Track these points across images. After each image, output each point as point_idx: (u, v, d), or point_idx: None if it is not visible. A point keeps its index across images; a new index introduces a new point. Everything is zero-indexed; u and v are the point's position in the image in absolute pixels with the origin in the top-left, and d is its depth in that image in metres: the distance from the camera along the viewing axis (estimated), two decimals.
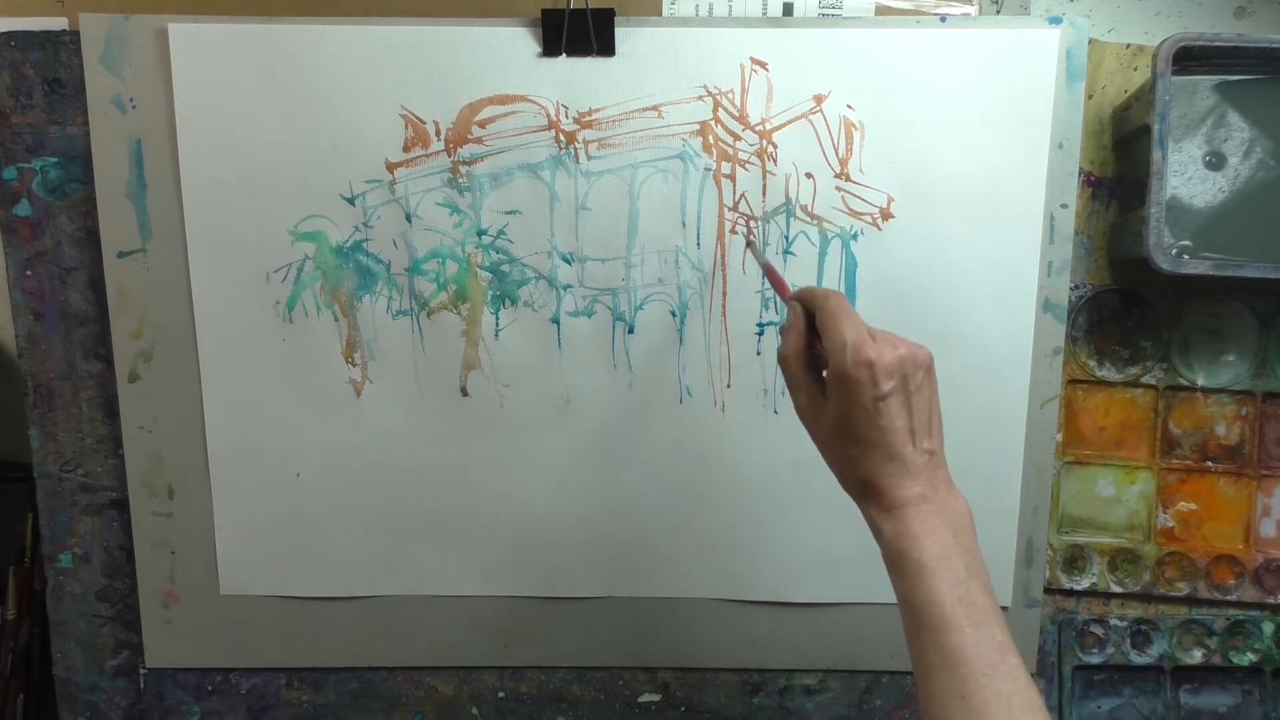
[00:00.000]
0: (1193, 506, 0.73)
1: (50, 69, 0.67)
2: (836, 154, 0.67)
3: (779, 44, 0.66)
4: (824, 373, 0.51)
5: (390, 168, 0.67)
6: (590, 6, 0.64)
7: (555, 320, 0.69)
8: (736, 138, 0.67)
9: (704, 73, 0.66)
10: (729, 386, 0.70)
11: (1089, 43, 0.66)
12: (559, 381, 0.70)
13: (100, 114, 0.67)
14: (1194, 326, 0.71)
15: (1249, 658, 0.74)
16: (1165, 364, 0.71)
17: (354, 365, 0.70)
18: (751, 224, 0.67)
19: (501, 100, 0.66)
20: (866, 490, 0.50)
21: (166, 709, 0.75)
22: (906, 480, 0.48)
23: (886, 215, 0.67)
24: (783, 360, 0.53)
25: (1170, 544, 0.73)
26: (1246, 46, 0.63)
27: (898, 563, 0.48)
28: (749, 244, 0.67)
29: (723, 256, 0.68)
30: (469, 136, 0.67)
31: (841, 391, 0.48)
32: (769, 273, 0.63)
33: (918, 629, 0.47)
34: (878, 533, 0.49)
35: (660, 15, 0.67)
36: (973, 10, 0.68)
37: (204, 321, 0.69)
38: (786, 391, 0.57)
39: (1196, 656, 0.74)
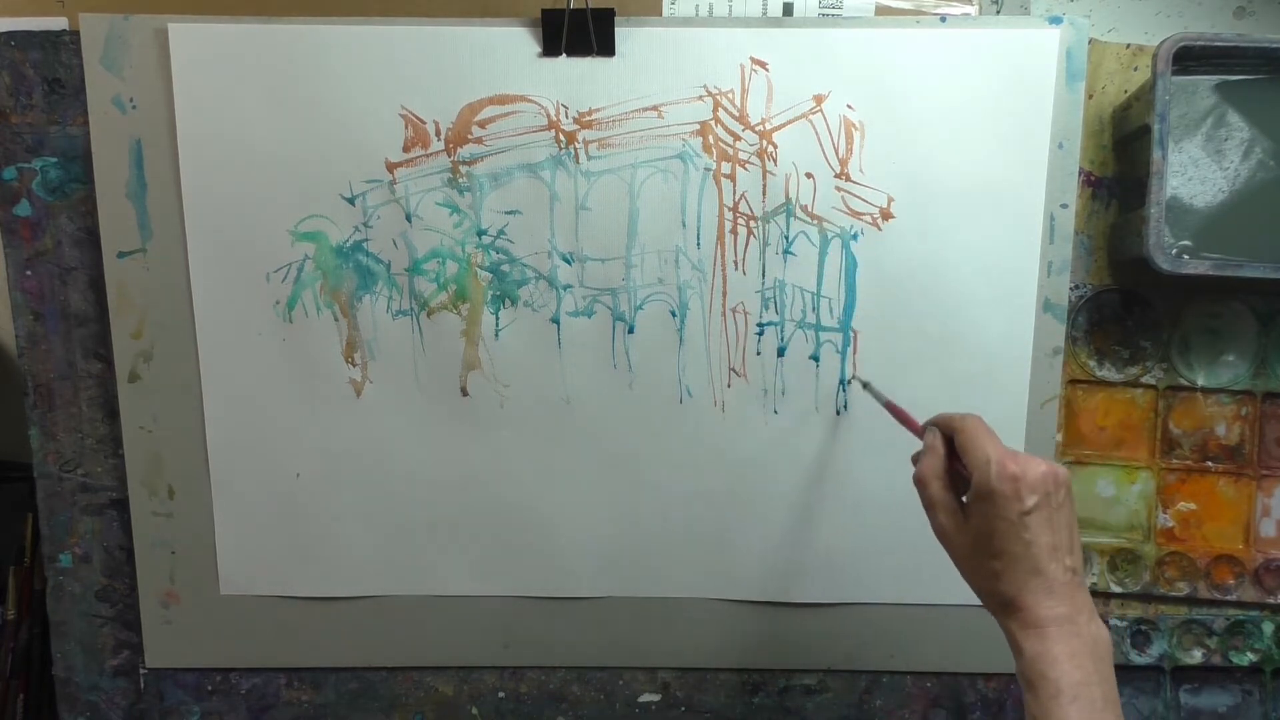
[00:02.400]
0: (1193, 506, 0.73)
1: (50, 69, 0.67)
2: (836, 154, 0.67)
3: (779, 44, 0.66)
4: (963, 498, 0.52)
5: (390, 168, 0.67)
6: (590, 6, 0.64)
7: (555, 320, 0.69)
8: (736, 138, 0.67)
9: (704, 73, 0.66)
10: (729, 386, 0.70)
11: (1089, 43, 0.66)
12: (559, 381, 0.70)
13: (100, 114, 0.67)
14: (1194, 326, 0.71)
15: (1249, 658, 0.74)
16: (1165, 364, 0.71)
17: (354, 365, 0.70)
18: (857, 381, 0.69)
19: (501, 100, 0.66)
20: (1009, 606, 0.50)
21: (166, 709, 0.75)
22: (1050, 598, 0.48)
23: (886, 215, 0.67)
24: (921, 482, 0.54)
25: (1170, 544, 0.73)
26: (1246, 46, 0.63)
27: (1036, 683, 0.48)
28: (865, 385, 0.68)
29: (722, 256, 0.68)
30: (469, 136, 0.67)
31: (986, 507, 0.49)
32: (894, 411, 0.63)
33: None
34: (1017, 650, 0.49)
35: (660, 15, 0.67)
36: (973, 10, 0.68)
37: (204, 321, 0.69)
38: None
39: (1196, 656, 0.74)
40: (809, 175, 0.67)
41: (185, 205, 0.67)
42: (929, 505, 0.54)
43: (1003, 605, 0.50)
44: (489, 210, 0.68)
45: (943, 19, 0.66)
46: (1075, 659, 0.47)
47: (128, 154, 0.67)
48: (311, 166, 0.67)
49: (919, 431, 0.58)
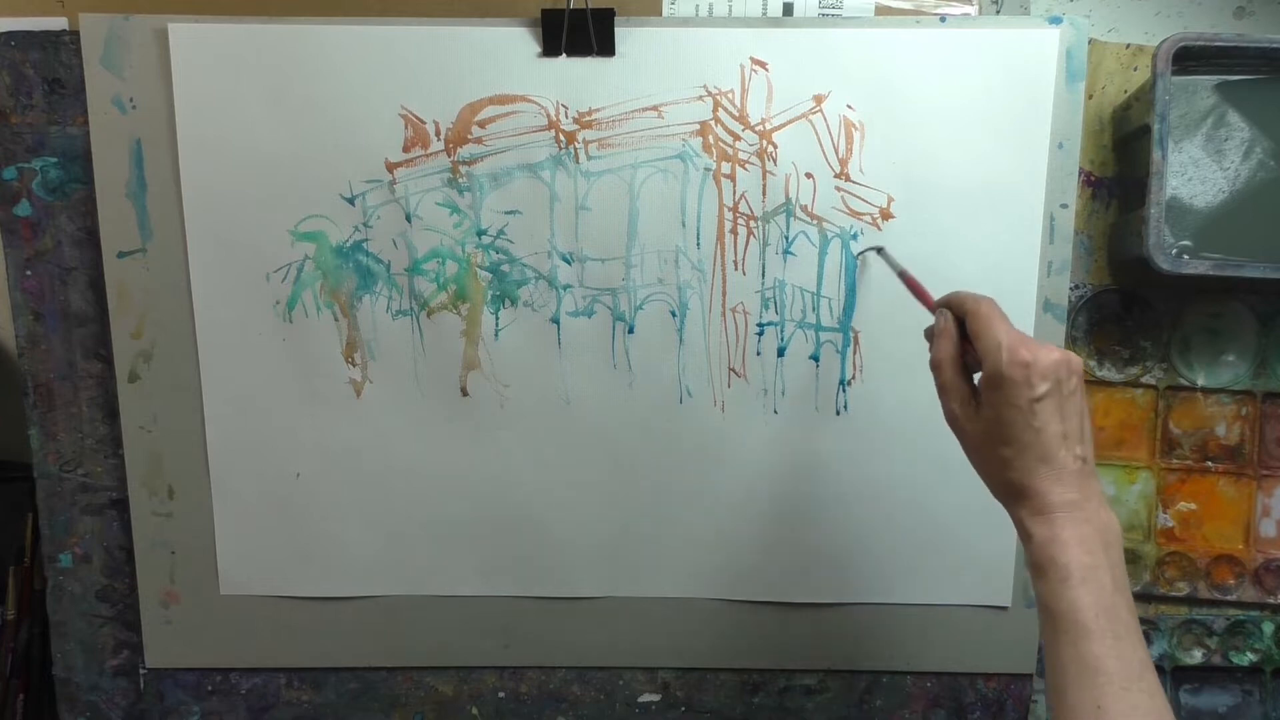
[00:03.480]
0: (1193, 506, 0.73)
1: (50, 69, 0.67)
2: (836, 154, 0.67)
3: (779, 44, 0.66)
4: (975, 379, 0.51)
5: (390, 168, 0.67)
6: (590, 6, 0.64)
7: (555, 320, 0.69)
8: (736, 138, 0.67)
9: (704, 73, 0.66)
10: (729, 386, 0.70)
11: (1089, 43, 0.66)
12: (559, 381, 0.70)
13: (100, 114, 0.67)
14: (1194, 326, 0.71)
15: (1249, 658, 0.74)
16: (1165, 364, 0.71)
17: (354, 365, 0.70)
18: (871, 251, 0.67)
19: (501, 100, 0.66)
20: (1019, 493, 0.49)
21: (166, 709, 0.75)
22: (1059, 485, 0.48)
23: (886, 215, 0.67)
24: (936, 366, 0.53)
25: (1170, 544, 0.73)
26: (1246, 46, 0.63)
27: (1045, 567, 0.47)
28: (879, 251, 0.66)
29: (722, 256, 0.68)
30: (469, 136, 0.67)
31: (996, 393, 0.49)
32: (908, 281, 0.61)
33: (1057, 636, 0.47)
34: (1026, 536, 0.49)
35: (660, 15, 0.67)
36: (973, 10, 0.68)
37: (204, 321, 0.69)
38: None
39: (1196, 656, 0.74)
40: (809, 175, 0.67)
41: (185, 205, 0.67)
42: (941, 389, 0.53)
43: (1012, 493, 0.49)
44: (489, 210, 0.68)
45: (943, 19, 0.66)
46: (1084, 544, 0.47)
47: (128, 154, 0.67)
48: (311, 166, 0.67)
49: (931, 306, 0.56)
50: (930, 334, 0.55)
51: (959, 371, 0.52)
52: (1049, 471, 0.48)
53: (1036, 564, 0.48)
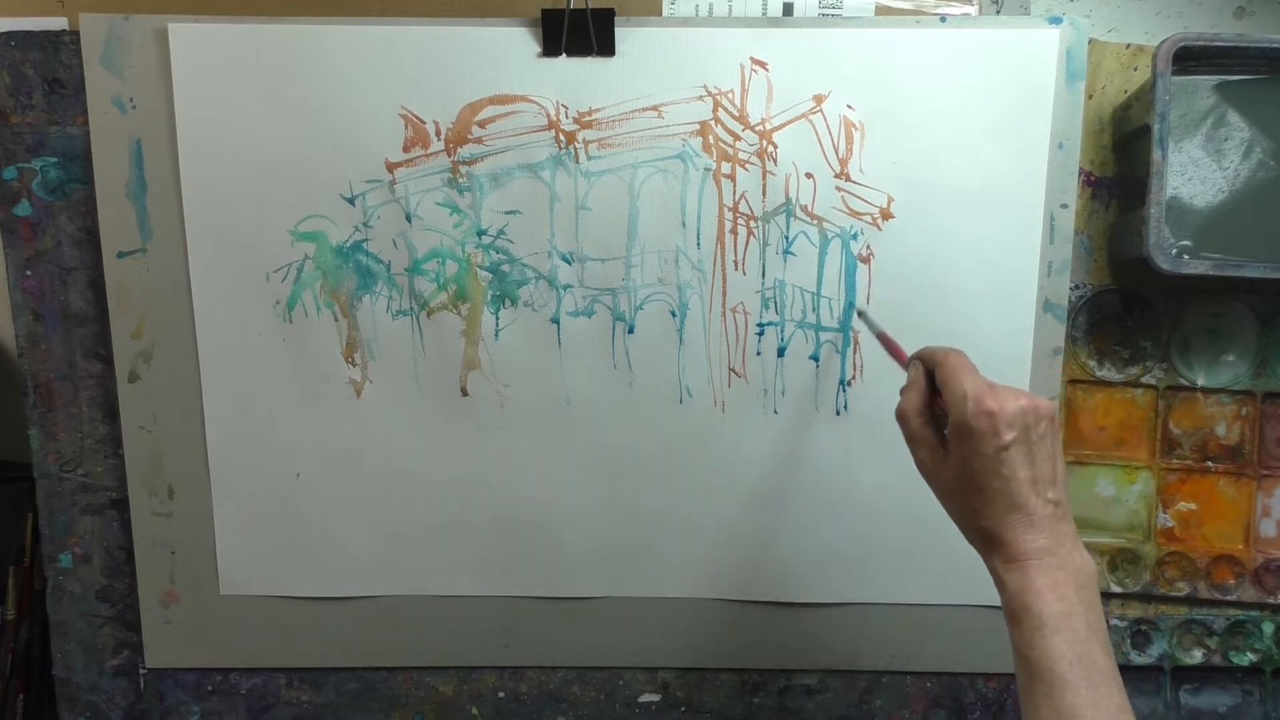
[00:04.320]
0: (1193, 506, 0.73)
1: (50, 69, 0.67)
2: (836, 154, 0.67)
3: (779, 44, 0.66)
4: (945, 431, 0.51)
5: (390, 168, 0.67)
6: (590, 6, 0.64)
7: (555, 320, 0.69)
8: (736, 138, 0.67)
9: (704, 73, 0.66)
10: (729, 386, 0.70)
11: (1089, 43, 0.66)
12: (559, 381, 0.70)
13: (100, 114, 0.67)
14: (1194, 326, 0.71)
15: (1249, 658, 0.74)
16: (1165, 364, 0.71)
17: (354, 365, 0.70)
18: (862, 312, 0.68)
19: (501, 100, 0.66)
20: (990, 541, 0.49)
21: (166, 709, 0.75)
22: (1030, 532, 0.48)
23: (886, 215, 0.67)
24: (901, 417, 0.53)
25: (1170, 544, 0.73)
26: (1246, 46, 0.63)
27: (1019, 616, 0.48)
28: (860, 314, 0.68)
29: (722, 256, 0.68)
30: (469, 136, 0.67)
31: (964, 443, 0.49)
32: (884, 341, 0.63)
33: (1033, 685, 0.47)
34: (1000, 584, 0.49)
35: (660, 15, 0.67)
36: (973, 10, 0.68)
37: (204, 321, 0.69)
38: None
39: (1196, 656, 0.74)
40: (809, 175, 0.67)
41: (185, 205, 0.67)
42: (910, 440, 0.53)
43: (984, 541, 0.50)
44: (489, 210, 0.68)
45: (943, 19, 0.66)
46: (1057, 590, 0.47)
47: (128, 154, 0.67)
48: (311, 166, 0.67)
49: (905, 363, 0.57)
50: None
51: (926, 422, 0.53)
52: (1020, 519, 0.48)
53: (1010, 612, 0.49)
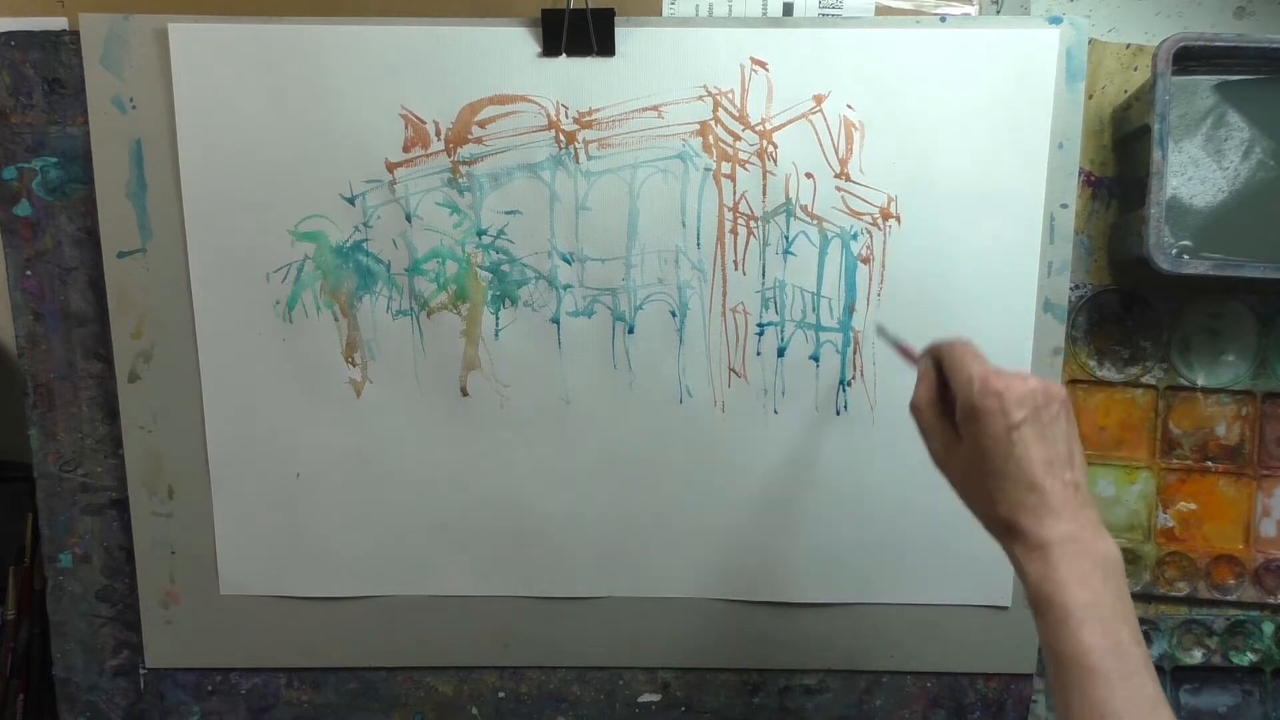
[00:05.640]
0: (1193, 506, 0.73)
1: (50, 69, 0.67)
2: (836, 154, 0.67)
3: (779, 44, 0.66)
4: (957, 420, 0.50)
5: (390, 168, 0.67)
6: (590, 6, 0.64)
7: (555, 320, 0.69)
8: (736, 138, 0.67)
9: (704, 73, 0.66)
10: (729, 386, 0.70)
11: (1089, 43, 0.66)
12: (559, 381, 0.70)
13: (100, 114, 0.67)
14: (1194, 326, 0.71)
15: (1249, 658, 0.74)
16: (1165, 364, 0.71)
17: (354, 365, 0.70)
18: (881, 327, 0.67)
19: (501, 100, 0.66)
20: (1009, 529, 0.48)
21: (166, 709, 0.75)
22: (1050, 518, 0.46)
23: (887, 215, 0.67)
24: (915, 409, 0.53)
25: (1170, 544, 0.73)
26: (1246, 46, 0.63)
27: (1043, 607, 0.46)
28: (880, 329, 0.67)
29: (722, 256, 0.68)
30: (469, 136, 0.67)
31: (974, 426, 0.48)
32: (902, 351, 0.62)
33: (1063, 677, 0.45)
34: (1022, 574, 0.48)
35: (660, 15, 0.67)
36: (973, 10, 0.68)
37: (204, 321, 0.69)
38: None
39: (1196, 656, 0.74)
40: (809, 175, 0.67)
41: (185, 205, 0.67)
42: (923, 432, 0.53)
43: (1003, 528, 0.48)
44: (489, 210, 0.68)
45: (943, 19, 0.66)
46: (1083, 580, 0.45)
47: (128, 154, 0.67)
48: (311, 166, 0.67)
49: (914, 358, 0.57)
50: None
51: (938, 413, 0.52)
52: (1037, 500, 0.47)
53: (1035, 602, 0.47)
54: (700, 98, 0.66)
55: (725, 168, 0.67)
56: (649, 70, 0.66)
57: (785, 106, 0.66)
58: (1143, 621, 0.73)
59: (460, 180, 0.67)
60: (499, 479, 0.71)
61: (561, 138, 0.67)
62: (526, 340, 0.69)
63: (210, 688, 0.75)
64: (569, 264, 0.68)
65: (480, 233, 0.68)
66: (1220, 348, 0.71)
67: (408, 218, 0.68)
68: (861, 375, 0.70)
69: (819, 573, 0.72)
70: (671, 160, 0.67)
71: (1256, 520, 0.73)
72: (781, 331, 0.69)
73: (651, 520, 0.72)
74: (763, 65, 0.66)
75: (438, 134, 0.67)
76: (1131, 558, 0.73)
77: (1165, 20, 0.73)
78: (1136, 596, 0.73)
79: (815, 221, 0.68)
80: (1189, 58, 0.63)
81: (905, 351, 0.62)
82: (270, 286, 0.69)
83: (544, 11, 0.65)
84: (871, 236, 0.68)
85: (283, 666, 0.75)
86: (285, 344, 0.69)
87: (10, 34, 0.66)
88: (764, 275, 0.68)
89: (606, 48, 0.65)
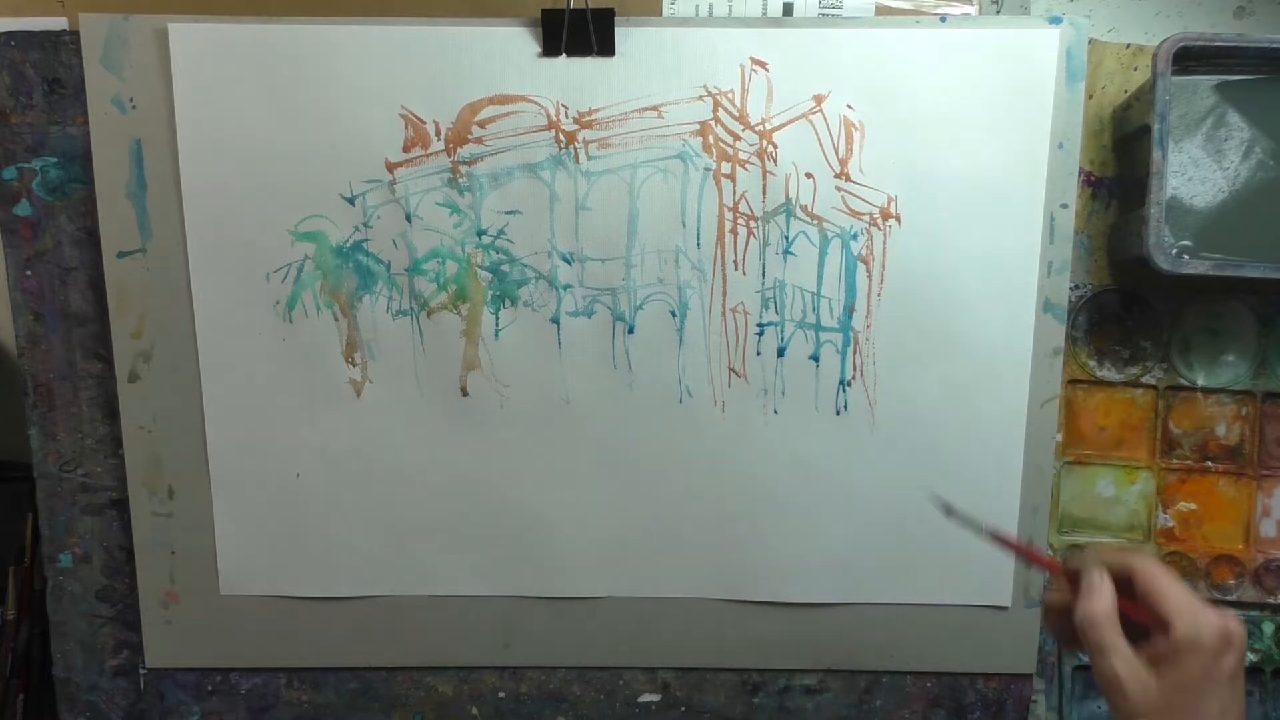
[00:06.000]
0: (1193, 506, 0.73)
1: (50, 69, 0.67)
2: (836, 154, 0.67)
3: (779, 44, 0.66)
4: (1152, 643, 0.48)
5: (390, 168, 0.67)
6: (590, 6, 0.64)
7: (555, 320, 0.69)
8: (736, 138, 0.67)
9: (704, 73, 0.66)
10: (729, 386, 0.70)
11: (1089, 43, 0.66)
12: (559, 381, 0.70)
13: (100, 114, 0.67)
14: (1194, 326, 0.71)
15: (1249, 658, 0.74)
16: (1165, 364, 0.71)
17: (354, 365, 0.70)
18: (940, 505, 0.59)
19: (501, 100, 0.66)
20: None
21: (166, 709, 0.75)
22: None
23: (887, 215, 0.67)
24: (1090, 624, 0.48)
25: (1170, 544, 0.73)
26: (1246, 46, 0.63)
27: None
28: (948, 510, 0.58)
29: (722, 256, 0.68)
30: (469, 136, 0.67)
31: (1190, 661, 0.45)
32: (1018, 549, 0.56)
33: None
34: None
35: (660, 15, 0.67)
36: (973, 10, 0.68)
37: (204, 321, 0.69)
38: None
39: None
40: (809, 175, 0.67)
41: (185, 205, 0.67)
42: (1099, 650, 0.47)
43: None
44: (489, 210, 0.68)
45: (943, 19, 0.66)
46: None
47: (128, 154, 0.67)
48: (311, 166, 0.67)
49: (1058, 570, 0.52)
50: (1051, 602, 0.51)
51: (1121, 631, 0.47)
52: None
53: None
54: (700, 98, 0.66)
55: (725, 168, 0.67)
56: (649, 70, 0.66)
57: (785, 106, 0.66)
58: None
59: (460, 180, 0.67)
60: (499, 479, 0.71)
61: (561, 138, 0.67)
62: (526, 340, 0.69)
63: (210, 688, 0.75)
64: (569, 264, 0.68)
65: (480, 233, 0.68)
66: (1220, 348, 0.71)
67: (408, 218, 0.68)
68: (861, 375, 0.70)
69: (819, 573, 0.72)
70: (671, 160, 0.67)
71: (1256, 520, 0.73)
72: (781, 331, 0.69)
73: (651, 520, 0.72)
74: (763, 65, 0.66)
75: (438, 134, 0.67)
76: None
77: (1165, 20, 0.73)
78: None
79: (815, 221, 0.68)
80: (1189, 58, 0.63)
81: (1021, 550, 0.55)
82: (270, 286, 0.69)
83: (544, 11, 0.65)
84: (871, 236, 0.68)
85: (283, 666, 0.75)
86: (285, 344, 0.69)
87: (10, 34, 0.66)
88: (764, 275, 0.68)
89: (606, 48, 0.65)
